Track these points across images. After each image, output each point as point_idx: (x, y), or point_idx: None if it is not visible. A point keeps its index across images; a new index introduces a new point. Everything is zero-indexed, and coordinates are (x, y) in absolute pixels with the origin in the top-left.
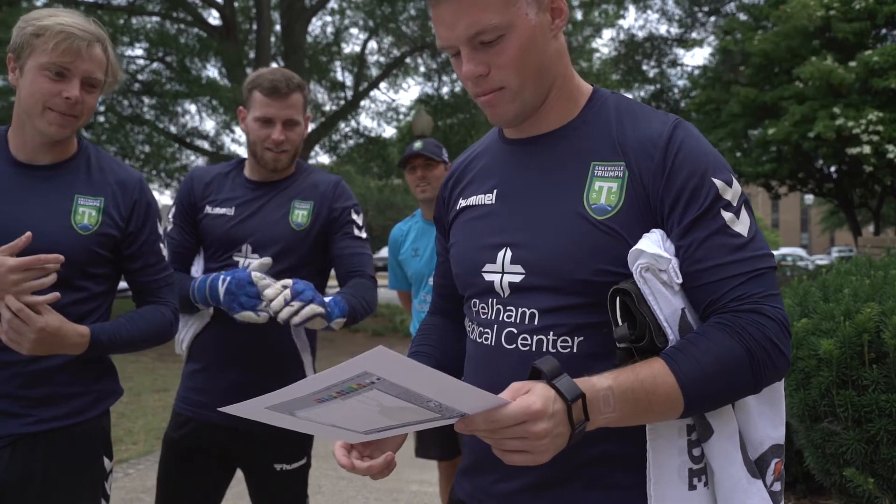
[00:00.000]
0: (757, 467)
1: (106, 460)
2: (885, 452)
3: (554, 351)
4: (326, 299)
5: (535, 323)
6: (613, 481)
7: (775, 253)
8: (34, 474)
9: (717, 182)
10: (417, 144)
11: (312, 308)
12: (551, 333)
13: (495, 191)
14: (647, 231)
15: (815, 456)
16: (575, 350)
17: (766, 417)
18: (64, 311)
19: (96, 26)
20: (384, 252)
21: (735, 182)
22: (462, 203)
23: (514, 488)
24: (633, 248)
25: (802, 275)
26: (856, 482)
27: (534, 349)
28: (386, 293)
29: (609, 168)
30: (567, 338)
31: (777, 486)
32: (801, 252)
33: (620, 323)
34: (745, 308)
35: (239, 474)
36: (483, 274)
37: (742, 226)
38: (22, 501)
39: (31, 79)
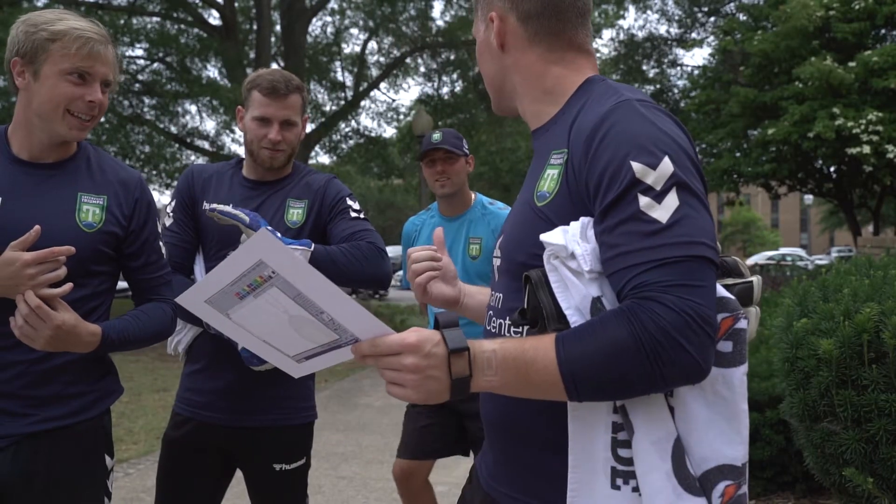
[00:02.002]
0: (700, 484)
1: (107, 458)
2: (885, 452)
3: (508, 335)
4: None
5: (500, 305)
6: (549, 468)
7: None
8: (37, 473)
9: (636, 165)
10: (436, 136)
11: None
12: (507, 318)
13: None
14: (579, 217)
15: (814, 456)
16: (525, 335)
17: (717, 431)
18: (69, 307)
19: (101, 27)
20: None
21: (666, 163)
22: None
23: (486, 460)
24: (540, 237)
25: (802, 275)
26: (855, 482)
27: (497, 332)
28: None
29: (558, 156)
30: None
31: None
32: (800, 252)
33: (523, 307)
34: (643, 296)
35: (239, 474)
36: (494, 259)
37: (662, 211)
38: (25, 500)
39: (52, 83)
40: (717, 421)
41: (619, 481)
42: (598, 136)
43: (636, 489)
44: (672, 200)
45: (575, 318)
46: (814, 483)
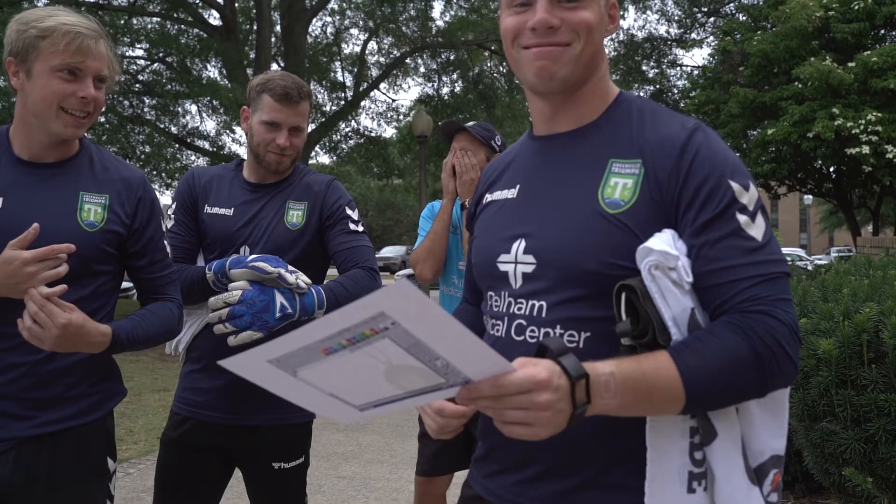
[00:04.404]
0: (756, 475)
1: (110, 461)
2: (884, 452)
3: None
4: (302, 285)
5: (543, 315)
6: (613, 480)
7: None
8: (39, 476)
9: (735, 185)
10: (470, 124)
11: (249, 335)
12: (558, 327)
13: (518, 186)
14: (659, 230)
15: (814, 455)
16: (581, 345)
17: (767, 427)
18: None
19: (94, 22)
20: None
21: (752, 187)
22: (488, 198)
23: (520, 479)
24: (642, 245)
25: (801, 275)
26: (855, 481)
27: (536, 340)
28: None
29: (626, 165)
30: (574, 332)
31: (774, 497)
32: (800, 252)
33: (624, 318)
34: (755, 309)
35: (238, 474)
36: (498, 264)
37: (757, 230)
38: (27, 503)
39: (44, 81)
40: (767, 418)
41: (695, 484)
42: (689, 153)
43: (706, 489)
44: (761, 221)
45: (674, 330)
46: (813, 483)
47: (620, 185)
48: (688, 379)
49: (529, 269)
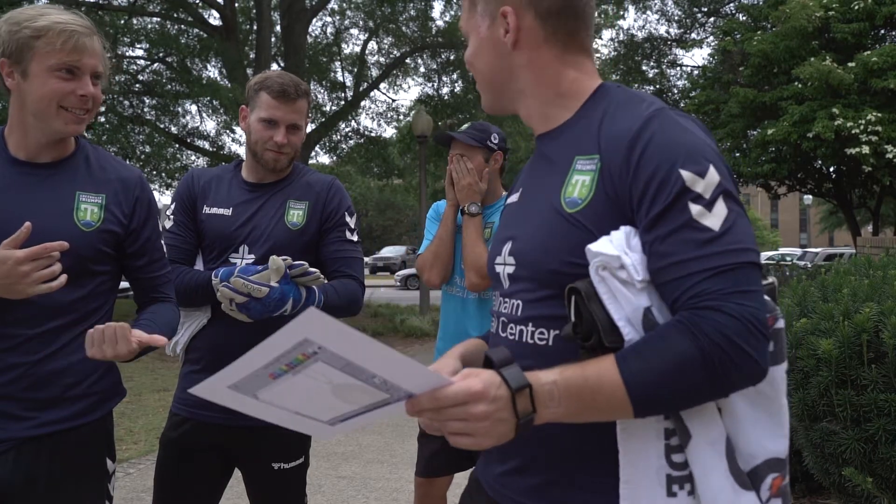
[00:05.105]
0: (750, 480)
1: (109, 462)
2: (884, 452)
3: (532, 342)
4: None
5: (519, 314)
6: (587, 479)
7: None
8: (38, 477)
9: (685, 174)
10: (464, 127)
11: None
12: (530, 325)
13: (521, 189)
14: (616, 227)
15: (814, 455)
16: (550, 343)
17: (762, 428)
18: (70, 307)
19: (85, 18)
20: (385, 252)
21: (712, 172)
22: (507, 202)
23: (503, 471)
24: (587, 247)
25: (801, 275)
26: (855, 481)
27: (517, 339)
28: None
29: (587, 162)
30: (544, 330)
31: (778, 503)
32: (800, 252)
33: (573, 320)
34: (703, 305)
35: (238, 474)
36: (495, 266)
37: (713, 219)
38: (27, 503)
39: (42, 81)
40: (761, 418)
41: (676, 487)
42: (640, 144)
43: (691, 493)
44: (721, 208)
45: (627, 330)
46: (813, 483)
47: (580, 182)
48: (631, 384)
49: (511, 269)
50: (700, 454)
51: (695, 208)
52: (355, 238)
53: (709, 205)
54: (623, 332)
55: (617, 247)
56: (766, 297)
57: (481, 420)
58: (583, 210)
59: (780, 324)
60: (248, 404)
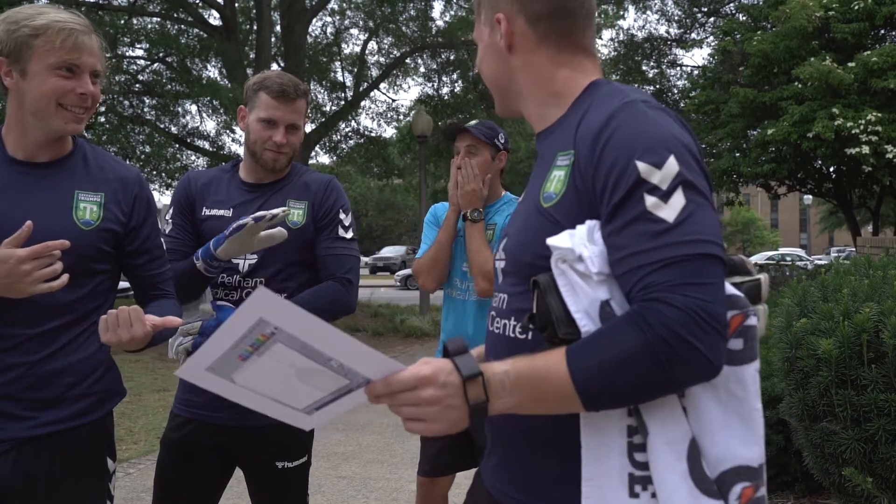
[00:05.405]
0: (718, 487)
1: (109, 461)
2: (884, 452)
3: (513, 336)
4: None
5: (504, 307)
6: (555, 475)
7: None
8: (39, 476)
9: (641, 165)
10: (472, 123)
11: (184, 348)
12: (512, 318)
13: (526, 188)
14: (586, 220)
15: (814, 455)
16: (530, 337)
17: (731, 432)
18: (71, 307)
19: (82, 16)
20: (385, 252)
21: (671, 163)
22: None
23: (492, 465)
24: (547, 240)
25: (801, 275)
26: (855, 481)
27: (501, 332)
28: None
29: (564, 157)
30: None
31: None
32: (800, 252)
33: (532, 312)
34: (650, 297)
35: (238, 474)
36: (496, 264)
37: (668, 211)
38: (27, 503)
39: (41, 79)
40: (731, 420)
41: (638, 488)
42: (603, 137)
43: (654, 495)
44: (678, 199)
45: (584, 322)
46: (813, 483)
47: (556, 178)
48: (577, 375)
49: (502, 265)
50: (656, 453)
51: (650, 200)
52: (349, 235)
53: (665, 196)
54: (580, 325)
55: (577, 240)
56: (734, 293)
57: (431, 404)
58: (555, 205)
59: (752, 321)
60: (228, 389)
